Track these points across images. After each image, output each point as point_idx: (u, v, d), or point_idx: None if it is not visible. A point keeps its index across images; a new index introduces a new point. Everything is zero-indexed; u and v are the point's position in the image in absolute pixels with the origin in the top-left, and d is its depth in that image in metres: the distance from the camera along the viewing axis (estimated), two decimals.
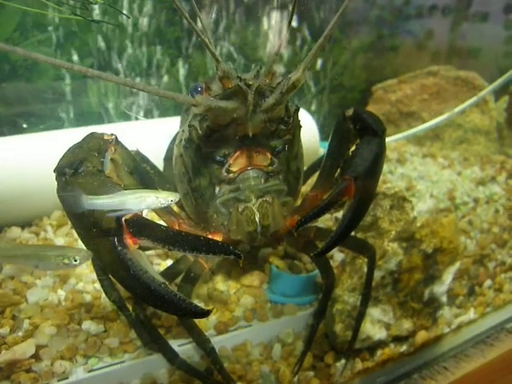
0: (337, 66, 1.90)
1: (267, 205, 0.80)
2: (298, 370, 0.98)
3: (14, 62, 1.57)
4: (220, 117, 0.72)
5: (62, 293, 0.98)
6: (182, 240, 0.70)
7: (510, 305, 1.39)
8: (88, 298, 0.98)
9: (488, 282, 1.30)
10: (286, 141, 0.81)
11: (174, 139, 1.31)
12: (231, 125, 0.73)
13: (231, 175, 0.80)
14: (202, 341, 0.88)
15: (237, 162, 0.79)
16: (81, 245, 1.13)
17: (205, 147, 0.79)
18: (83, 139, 0.84)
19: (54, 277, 1.02)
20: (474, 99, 1.62)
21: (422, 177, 1.24)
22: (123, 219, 0.72)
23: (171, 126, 1.43)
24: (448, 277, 1.15)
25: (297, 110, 0.81)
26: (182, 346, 0.93)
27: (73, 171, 0.77)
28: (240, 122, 0.72)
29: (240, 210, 0.79)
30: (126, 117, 1.86)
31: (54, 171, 0.79)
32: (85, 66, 1.83)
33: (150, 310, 0.93)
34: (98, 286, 1.01)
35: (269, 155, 0.81)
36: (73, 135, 1.32)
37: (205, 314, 0.71)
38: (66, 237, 1.16)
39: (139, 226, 0.72)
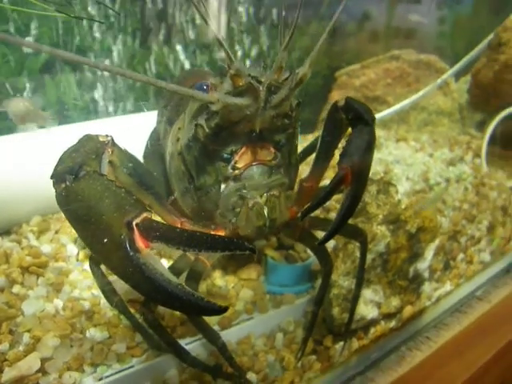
0: (297, 52, 1.91)
1: (274, 198, 0.81)
2: (301, 355, 1.01)
3: None
4: (232, 114, 0.71)
5: (58, 302, 0.95)
6: (197, 240, 0.69)
7: (479, 274, 1.50)
8: (87, 305, 0.95)
9: (461, 256, 1.40)
10: (288, 134, 0.82)
11: (152, 136, 1.29)
12: (241, 121, 0.73)
13: (237, 172, 0.80)
14: (212, 337, 0.88)
15: (242, 158, 0.79)
16: (70, 250, 1.11)
17: (211, 145, 0.78)
18: (78, 142, 0.81)
19: (46, 286, 0.98)
20: (438, 81, 1.70)
21: (398, 161, 1.30)
22: (134, 223, 0.70)
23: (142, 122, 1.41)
24: (429, 253, 1.22)
25: (298, 104, 0.82)
26: (189, 345, 0.94)
27: (73, 177, 0.74)
28: (249, 118, 0.73)
29: (250, 205, 0.80)
30: (86, 114, 1.78)
31: (52, 178, 0.76)
32: (40, 62, 1.73)
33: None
34: (95, 291, 0.98)
35: (272, 150, 0.81)
36: (44, 136, 1.28)
37: (222, 310, 0.71)
38: (51, 243, 1.11)
39: (151, 228, 0.70)
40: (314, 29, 2.07)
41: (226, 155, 0.79)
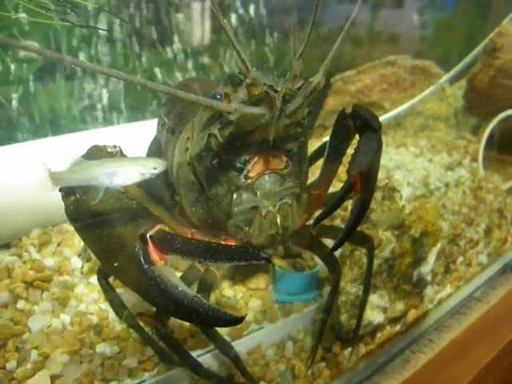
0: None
1: (287, 206, 0.81)
2: (311, 363, 1.01)
3: None
4: (248, 123, 0.71)
5: (65, 317, 0.93)
6: (213, 251, 0.69)
7: (477, 276, 1.52)
8: (95, 319, 0.93)
9: (460, 259, 1.41)
10: (300, 143, 0.82)
11: (152, 145, 1.28)
12: (256, 131, 0.73)
13: (249, 181, 0.79)
14: (225, 348, 0.87)
15: (255, 168, 0.79)
16: (73, 263, 1.09)
17: (225, 155, 0.78)
18: (86, 153, 0.79)
19: (51, 300, 0.96)
20: (434, 86, 1.72)
21: (399, 166, 1.31)
22: (148, 235, 0.69)
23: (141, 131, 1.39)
24: (432, 257, 1.23)
25: (310, 112, 0.82)
26: (200, 357, 0.92)
27: (83, 189, 0.72)
28: (264, 127, 0.72)
29: (263, 214, 0.79)
30: (80, 124, 1.75)
31: (61, 190, 0.74)
32: (32, 70, 1.70)
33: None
34: (102, 305, 0.96)
35: (284, 158, 0.81)
36: (44, 146, 1.25)
37: (238, 321, 0.70)
38: (54, 256, 1.09)
39: (165, 240, 0.70)
40: (305, 34, 2.08)
41: (238, 164, 0.78)
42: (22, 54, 1.58)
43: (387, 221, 0.79)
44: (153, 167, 0.63)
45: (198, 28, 2.06)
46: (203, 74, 2.09)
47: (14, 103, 1.62)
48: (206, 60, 2.13)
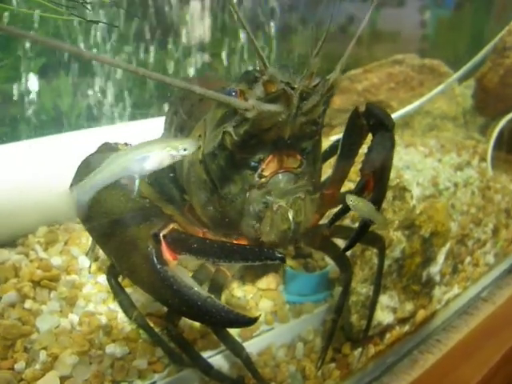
0: (299, 57, 1.90)
1: (300, 201, 0.80)
2: (321, 364, 1.00)
3: None
4: (264, 121, 0.69)
5: (73, 317, 0.91)
6: (227, 251, 0.67)
7: (484, 276, 1.51)
8: (103, 319, 0.92)
9: (468, 259, 1.40)
10: (314, 141, 0.81)
11: None
12: (271, 129, 0.71)
13: (263, 180, 0.78)
14: (237, 349, 0.86)
15: (269, 166, 0.77)
16: (81, 262, 1.07)
17: (239, 153, 0.76)
18: (98, 150, 0.78)
19: (59, 300, 0.94)
20: (443, 85, 1.71)
21: (408, 166, 1.29)
22: (161, 235, 0.68)
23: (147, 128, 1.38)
24: (441, 257, 1.23)
25: (325, 110, 0.81)
26: (210, 358, 0.91)
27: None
28: (280, 125, 0.71)
29: (274, 209, 0.78)
30: (86, 120, 1.73)
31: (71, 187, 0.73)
32: (37, 67, 1.68)
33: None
34: (111, 305, 0.95)
35: (298, 157, 0.80)
36: (49, 144, 1.24)
37: (252, 321, 0.69)
38: (61, 255, 1.07)
39: (179, 240, 0.68)
40: (311, 32, 2.06)
41: (253, 163, 0.77)
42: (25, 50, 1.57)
43: (363, 210, 0.78)
44: (183, 148, 0.60)
45: (199, 25, 2.04)
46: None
47: (22, 100, 1.60)
48: (206, 58, 2.12)
